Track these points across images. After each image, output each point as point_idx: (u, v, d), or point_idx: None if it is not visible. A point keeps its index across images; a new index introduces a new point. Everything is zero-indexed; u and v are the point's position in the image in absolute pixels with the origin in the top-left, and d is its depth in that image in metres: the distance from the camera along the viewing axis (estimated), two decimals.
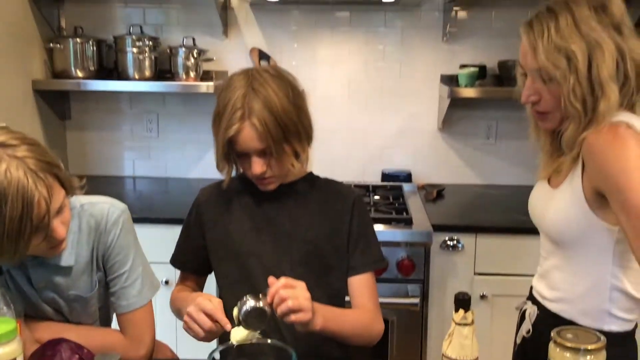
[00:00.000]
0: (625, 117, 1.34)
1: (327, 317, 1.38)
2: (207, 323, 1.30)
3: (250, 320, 1.28)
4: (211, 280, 1.67)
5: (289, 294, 1.28)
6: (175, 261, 1.68)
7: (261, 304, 1.28)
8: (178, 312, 1.55)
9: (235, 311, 1.29)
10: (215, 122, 1.46)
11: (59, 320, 1.45)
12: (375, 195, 2.88)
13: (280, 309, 1.28)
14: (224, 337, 1.38)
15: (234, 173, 1.55)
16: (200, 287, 1.70)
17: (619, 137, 1.29)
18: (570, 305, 1.45)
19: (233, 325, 1.30)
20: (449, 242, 2.51)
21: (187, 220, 1.65)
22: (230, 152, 1.46)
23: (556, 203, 1.44)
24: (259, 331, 1.30)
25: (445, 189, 3.02)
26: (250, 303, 1.28)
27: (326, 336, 1.43)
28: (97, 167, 3.19)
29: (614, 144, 1.29)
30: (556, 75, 1.34)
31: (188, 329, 1.33)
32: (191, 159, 3.19)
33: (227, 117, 1.40)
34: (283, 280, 1.31)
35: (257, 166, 1.45)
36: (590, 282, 1.42)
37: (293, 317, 1.29)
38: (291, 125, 1.44)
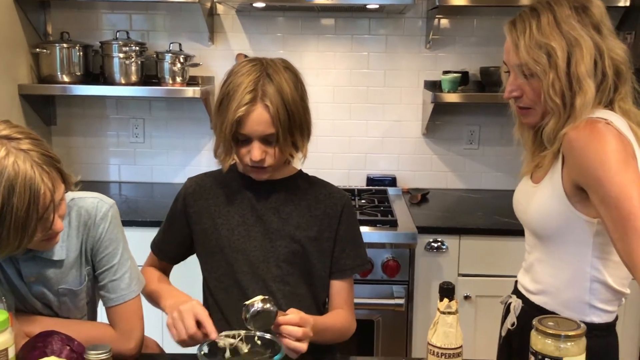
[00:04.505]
0: (605, 114, 1.38)
1: (316, 332, 1.40)
2: (193, 328, 1.32)
3: (257, 319, 1.31)
4: (192, 272, 1.68)
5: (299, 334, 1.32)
6: (156, 248, 1.68)
7: (269, 307, 1.32)
8: (157, 301, 1.54)
9: (244, 310, 1.32)
10: (221, 106, 1.47)
11: (48, 314, 1.46)
12: (361, 199, 2.91)
13: (285, 333, 1.32)
14: None
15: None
16: (169, 273, 1.70)
17: (598, 132, 1.34)
18: (552, 297, 1.49)
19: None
20: (433, 244, 2.54)
21: (173, 210, 1.65)
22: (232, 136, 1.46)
23: (538, 197, 1.48)
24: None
25: (430, 193, 3.06)
26: (260, 305, 1.31)
27: None
28: (82, 172, 3.09)
29: (593, 138, 1.34)
30: (537, 71, 1.39)
31: (172, 326, 1.34)
32: (177, 164, 3.19)
33: (239, 97, 1.42)
34: (297, 317, 1.33)
35: (258, 152, 1.46)
36: (571, 274, 1.45)
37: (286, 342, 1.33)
38: (297, 116, 1.47)
